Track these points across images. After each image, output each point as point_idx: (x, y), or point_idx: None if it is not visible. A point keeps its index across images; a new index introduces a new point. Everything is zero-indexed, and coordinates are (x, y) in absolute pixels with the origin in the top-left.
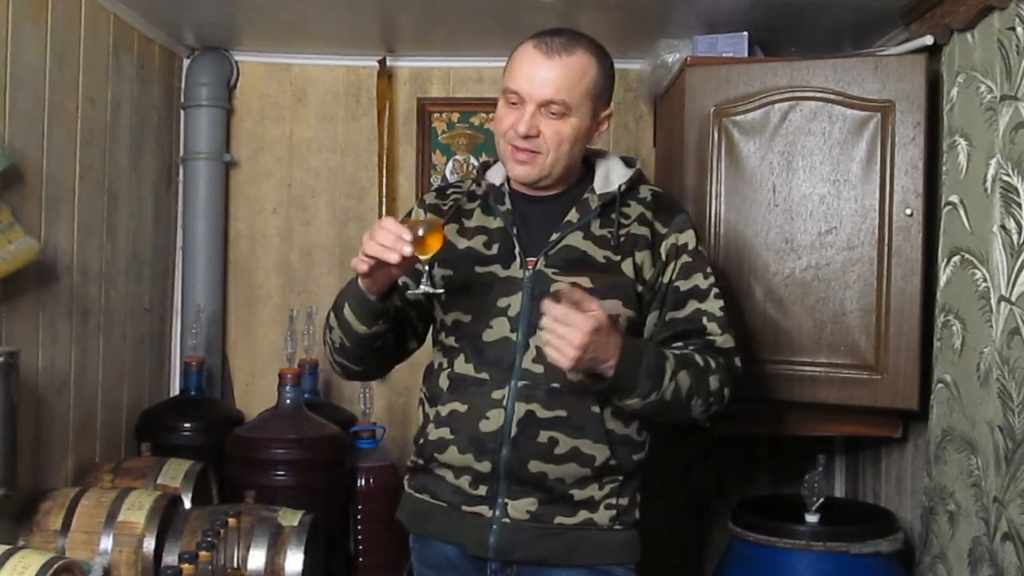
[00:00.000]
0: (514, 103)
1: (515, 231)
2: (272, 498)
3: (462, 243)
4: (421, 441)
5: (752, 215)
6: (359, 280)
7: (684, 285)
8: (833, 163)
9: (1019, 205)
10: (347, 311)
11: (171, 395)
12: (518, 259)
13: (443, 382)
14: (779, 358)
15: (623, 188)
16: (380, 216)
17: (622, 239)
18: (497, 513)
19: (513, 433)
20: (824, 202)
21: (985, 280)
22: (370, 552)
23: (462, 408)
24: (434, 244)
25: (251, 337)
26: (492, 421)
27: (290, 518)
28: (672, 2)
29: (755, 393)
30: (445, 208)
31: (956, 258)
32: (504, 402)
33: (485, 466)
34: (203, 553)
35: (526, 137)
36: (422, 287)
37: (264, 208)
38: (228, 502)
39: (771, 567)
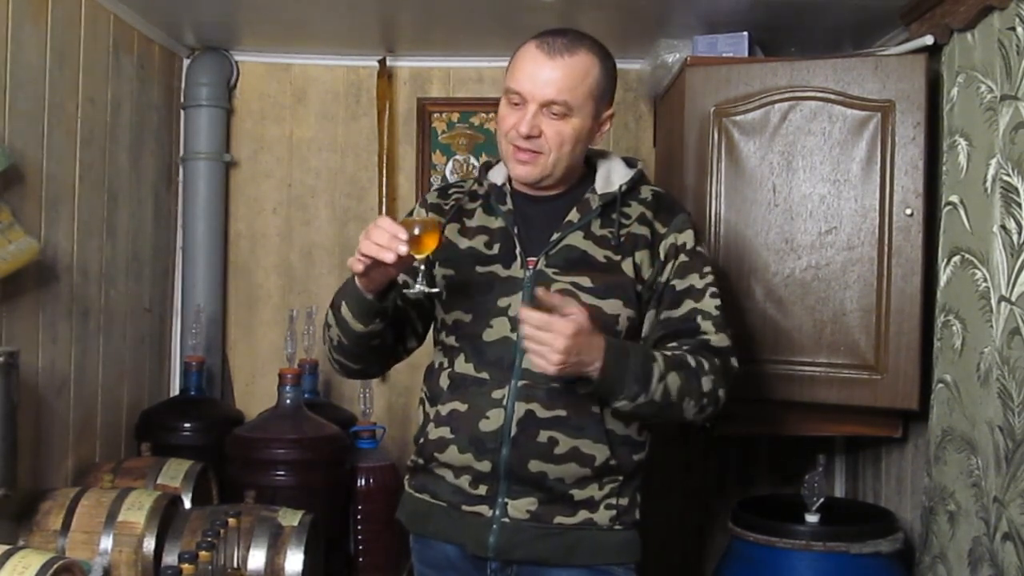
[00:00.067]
0: (516, 103)
1: (516, 231)
2: (272, 498)
3: (463, 243)
4: (421, 440)
5: (752, 215)
6: (356, 279)
7: (680, 284)
8: (833, 163)
9: (1019, 205)
10: (344, 309)
11: (171, 395)
12: (519, 259)
13: (443, 381)
14: (779, 358)
15: (624, 188)
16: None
17: (622, 239)
18: (497, 513)
19: (513, 433)
20: (824, 202)
21: (985, 280)
22: (370, 552)
23: (462, 407)
24: (430, 243)
25: (251, 337)
26: (492, 421)
27: (290, 518)
28: (672, 2)
29: (755, 393)
30: (447, 208)
31: (956, 258)
32: (504, 402)
33: (485, 466)
34: (203, 553)
35: (528, 137)
36: (418, 286)
37: (264, 208)
38: (228, 502)
39: (771, 567)
